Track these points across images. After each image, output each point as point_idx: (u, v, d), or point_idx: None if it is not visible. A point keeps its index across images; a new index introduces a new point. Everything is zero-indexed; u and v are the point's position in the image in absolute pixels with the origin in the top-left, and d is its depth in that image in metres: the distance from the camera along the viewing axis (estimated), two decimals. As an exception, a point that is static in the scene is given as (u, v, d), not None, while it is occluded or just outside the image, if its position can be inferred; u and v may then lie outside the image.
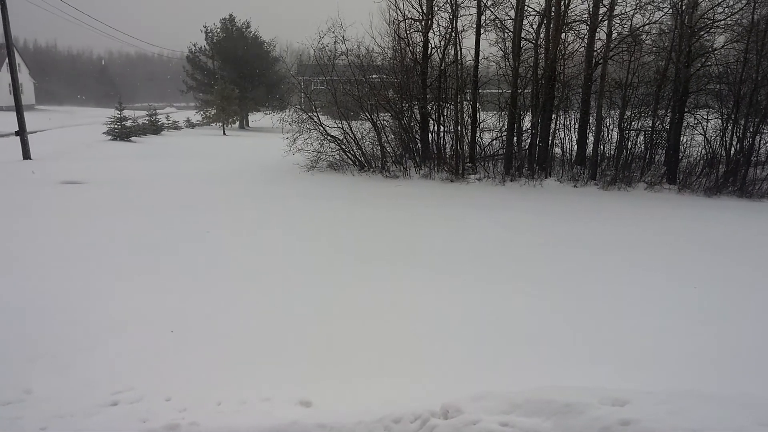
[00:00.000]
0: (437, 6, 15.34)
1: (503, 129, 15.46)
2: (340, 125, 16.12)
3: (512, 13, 14.71)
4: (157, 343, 4.96)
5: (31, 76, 60.70)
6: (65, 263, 7.12)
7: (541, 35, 14.79)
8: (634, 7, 14.15)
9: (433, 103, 15.96)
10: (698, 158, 14.46)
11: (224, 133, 35.68)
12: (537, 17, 14.94)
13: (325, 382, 4.36)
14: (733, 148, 13.99)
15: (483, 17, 14.96)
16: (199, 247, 8.05)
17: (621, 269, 7.48)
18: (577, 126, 15.34)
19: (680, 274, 7.28)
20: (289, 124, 16.47)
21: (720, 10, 13.75)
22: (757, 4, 13.50)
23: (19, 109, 18.14)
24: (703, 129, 14.40)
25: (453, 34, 15.08)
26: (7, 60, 19.55)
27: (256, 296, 6.15)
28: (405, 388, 4.30)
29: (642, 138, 14.72)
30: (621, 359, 4.87)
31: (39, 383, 4.23)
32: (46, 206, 10.67)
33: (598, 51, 14.72)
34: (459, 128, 15.18)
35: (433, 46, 15.77)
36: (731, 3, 13.58)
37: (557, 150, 15.49)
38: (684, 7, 13.81)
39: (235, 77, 42.93)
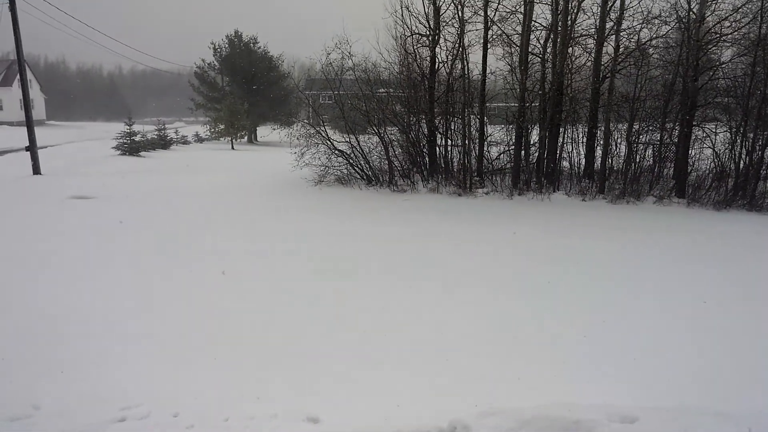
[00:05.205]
0: (444, 22, 15.44)
1: (511, 143, 15.47)
2: (347, 139, 16.20)
3: (519, 28, 14.78)
4: (166, 358, 4.97)
5: (42, 91, 61.43)
6: (76, 278, 7.17)
7: (548, 50, 14.84)
8: (641, 21, 14.19)
9: (440, 117, 16.01)
10: (707, 172, 14.40)
11: (233, 148, 35.90)
12: (544, 32, 15.00)
13: (332, 398, 4.35)
14: (742, 162, 13.91)
15: (490, 32, 15.03)
16: (209, 260, 8.07)
17: (629, 283, 7.44)
18: (584, 139, 15.32)
19: (690, 288, 7.22)
20: (297, 138, 16.55)
21: (727, 24, 13.73)
22: (764, 18, 13.50)
23: (30, 124, 18.35)
24: (711, 142, 14.34)
25: (460, 49, 15.16)
26: (18, 76, 19.82)
27: (262, 310, 6.16)
28: (412, 404, 4.28)
29: (650, 151, 14.69)
30: (629, 374, 4.83)
31: (47, 398, 4.24)
32: (56, 221, 10.75)
33: (606, 65, 14.74)
34: (466, 142, 15.21)
35: (440, 60, 15.86)
36: (738, 17, 13.58)
37: (565, 164, 15.46)
38: (691, 21, 13.83)
39: (243, 92, 43.18)
